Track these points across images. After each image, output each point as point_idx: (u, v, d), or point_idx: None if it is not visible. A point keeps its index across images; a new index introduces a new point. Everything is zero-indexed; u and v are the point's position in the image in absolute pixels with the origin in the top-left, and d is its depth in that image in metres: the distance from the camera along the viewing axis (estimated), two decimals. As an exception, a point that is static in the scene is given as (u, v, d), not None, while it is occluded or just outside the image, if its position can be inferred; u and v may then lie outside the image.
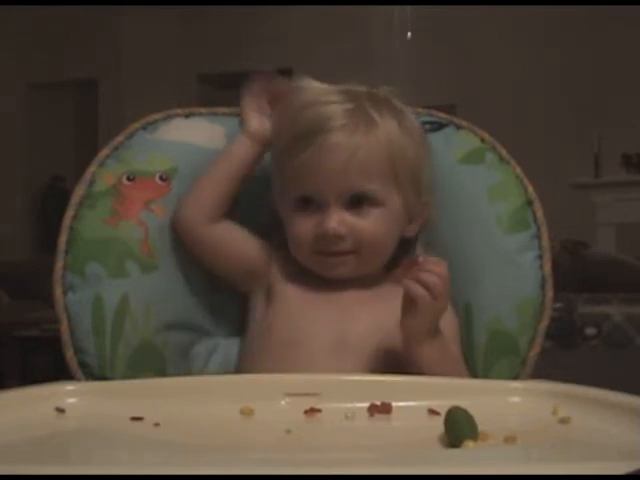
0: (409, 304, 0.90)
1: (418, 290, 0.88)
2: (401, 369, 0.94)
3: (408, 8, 5.64)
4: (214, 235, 1.02)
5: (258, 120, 1.04)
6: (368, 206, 0.98)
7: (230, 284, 1.06)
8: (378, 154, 0.97)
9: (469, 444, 0.66)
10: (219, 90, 5.87)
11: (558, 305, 2.34)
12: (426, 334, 0.91)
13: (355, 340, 0.97)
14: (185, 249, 1.03)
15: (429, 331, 0.91)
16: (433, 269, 0.89)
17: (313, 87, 1.02)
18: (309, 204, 0.99)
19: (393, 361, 0.96)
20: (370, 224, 0.98)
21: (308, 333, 0.97)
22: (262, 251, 1.04)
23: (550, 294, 1.02)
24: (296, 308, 1.00)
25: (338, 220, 0.97)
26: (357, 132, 0.96)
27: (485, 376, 0.95)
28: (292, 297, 1.02)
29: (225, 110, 1.13)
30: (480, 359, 0.99)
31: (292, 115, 0.99)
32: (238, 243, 1.04)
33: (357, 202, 0.98)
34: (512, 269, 1.02)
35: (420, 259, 0.91)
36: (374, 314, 0.99)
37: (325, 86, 1.02)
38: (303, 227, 0.99)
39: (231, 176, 1.03)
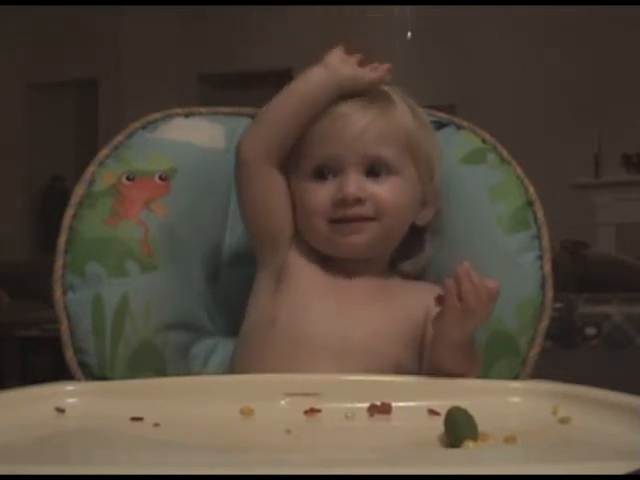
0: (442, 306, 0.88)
1: (451, 299, 0.86)
2: (404, 369, 0.94)
3: (408, 8, 5.64)
4: (266, 178, 1.00)
5: (340, 58, 1.02)
6: (385, 174, 1.00)
7: (252, 241, 1.05)
8: (394, 125, 1.01)
9: (469, 444, 0.66)
10: (219, 90, 5.88)
11: (558, 305, 2.34)
12: (453, 340, 0.88)
13: (359, 340, 0.97)
14: (185, 249, 1.03)
15: (456, 339, 0.88)
16: (478, 284, 0.86)
17: None
18: (325, 175, 1.00)
19: (396, 361, 0.97)
20: (388, 191, 1.00)
21: (313, 330, 0.97)
22: (291, 225, 1.04)
23: (550, 294, 1.02)
24: (303, 301, 1.00)
25: (357, 185, 0.98)
26: (374, 104, 1.01)
27: (485, 376, 0.95)
28: (300, 288, 1.01)
29: (225, 110, 1.13)
30: (480, 359, 0.99)
31: None
32: (280, 201, 1.02)
33: (374, 171, 1.00)
34: (512, 269, 1.02)
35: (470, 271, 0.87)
36: (381, 311, 0.99)
37: None
38: (320, 196, 1.00)
39: (298, 110, 0.99)
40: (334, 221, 1.00)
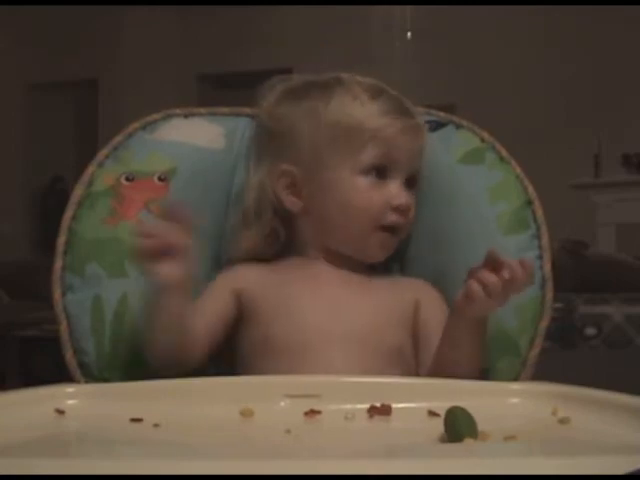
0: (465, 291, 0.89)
1: (473, 285, 0.87)
2: (408, 356, 0.97)
3: (408, 8, 5.64)
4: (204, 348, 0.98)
5: (167, 266, 0.88)
6: (414, 189, 1.04)
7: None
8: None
9: (469, 442, 0.66)
10: (219, 90, 5.88)
11: (558, 305, 2.34)
12: (471, 319, 0.91)
13: (361, 327, 0.98)
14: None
15: (474, 319, 0.91)
16: (504, 269, 0.87)
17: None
18: (373, 174, 1.00)
19: (398, 345, 0.99)
20: (414, 205, 1.03)
21: (314, 327, 0.97)
22: (230, 298, 1.02)
23: (550, 294, 1.02)
24: (293, 307, 1.00)
25: (407, 195, 1.01)
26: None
27: (485, 376, 0.95)
28: (284, 297, 1.01)
29: (224, 110, 1.13)
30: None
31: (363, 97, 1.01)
32: (217, 322, 1.00)
33: (411, 182, 1.03)
34: None
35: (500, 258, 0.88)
36: (364, 309, 1.00)
37: None
38: (375, 199, 1.00)
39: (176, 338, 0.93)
40: (381, 228, 1.01)
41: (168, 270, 0.87)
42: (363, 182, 1.00)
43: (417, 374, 0.99)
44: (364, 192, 1.00)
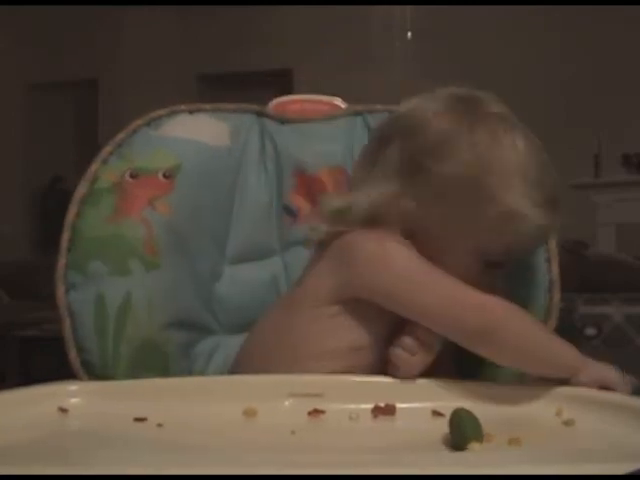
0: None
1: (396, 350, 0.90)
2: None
3: (408, 8, 5.64)
4: None
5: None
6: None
7: None
8: None
9: (474, 446, 0.66)
10: (219, 90, 5.88)
11: (559, 305, 2.33)
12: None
13: None
14: (188, 248, 1.03)
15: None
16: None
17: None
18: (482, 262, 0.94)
19: None
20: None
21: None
22: None
23: (557, 297, 1.02)
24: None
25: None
26: None
27: (491, 377, 0.95)
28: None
29: (230, 106, 1.12)
30: (486, 360, 0.99)
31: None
32: None
33: None
34: (521, 271, 1.01)
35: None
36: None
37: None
38: (471, 278, 0.91)
39: None
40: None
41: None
42: (474, 264, 0.94)
43: None
44: (472, 274, 0.92)
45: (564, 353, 0.91)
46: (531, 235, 0.93)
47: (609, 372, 0.89)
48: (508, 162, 0.91)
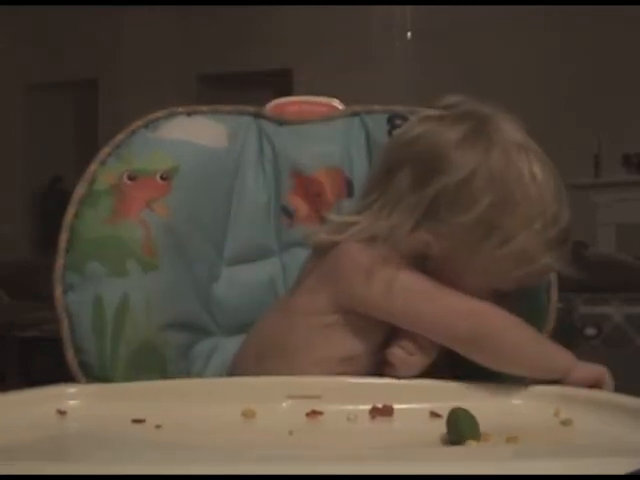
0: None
1: (394, 349, 0.92)
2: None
3: (408, 8, 5.64)
4: None
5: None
6: None
7: None
8: None
9: (471, 444, 0.66)
10: (219, 90, 5.88)
11: (558, 305, 2.33)
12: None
13: None
14: (186, 249, 1.03)
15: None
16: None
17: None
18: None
19: None
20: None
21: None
22: None
23: (555, 298, 1.03)
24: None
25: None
26: None
27: (489, 378, 0.95)
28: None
29: (228, 108, 1.12)
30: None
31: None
32: None
33: None
34: None
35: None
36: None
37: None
38: None
39: None
40: None
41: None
42: (482, 293, 0.94)
43: None
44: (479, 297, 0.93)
45: (556, 356, 0.92)
46: (543, 272, 0.96)
47: (599, 370, 0.91)
48: (529, 202, 0.91)
